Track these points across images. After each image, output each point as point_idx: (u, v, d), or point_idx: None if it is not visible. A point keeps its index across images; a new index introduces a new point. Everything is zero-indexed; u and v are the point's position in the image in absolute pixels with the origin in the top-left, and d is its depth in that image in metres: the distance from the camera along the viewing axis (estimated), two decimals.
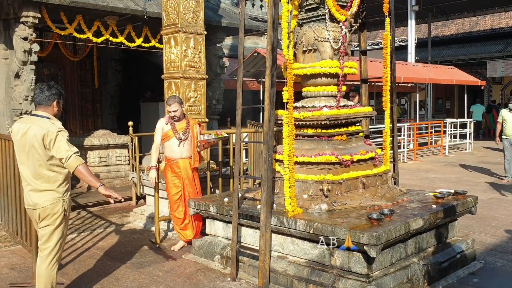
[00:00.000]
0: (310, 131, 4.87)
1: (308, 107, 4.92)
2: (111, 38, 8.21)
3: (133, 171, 7.61)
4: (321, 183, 4.52)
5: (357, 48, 6.49)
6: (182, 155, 5.50)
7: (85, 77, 11.57)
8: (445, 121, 16.06)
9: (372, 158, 4.96)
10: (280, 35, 4.57)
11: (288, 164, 4.43)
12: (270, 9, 4.37)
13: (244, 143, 7.54)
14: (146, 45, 8.65)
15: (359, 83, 5.88)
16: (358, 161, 4.79)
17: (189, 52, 6.88)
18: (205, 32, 7.15)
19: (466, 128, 16.20)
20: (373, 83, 13.51)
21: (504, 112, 9.91)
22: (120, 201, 3.78)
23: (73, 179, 4.94)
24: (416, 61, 19.69)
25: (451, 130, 16.22)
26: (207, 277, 4.65)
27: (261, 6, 15.61)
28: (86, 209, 7.59)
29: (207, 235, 5.29)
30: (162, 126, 5.54)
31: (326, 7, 4.76)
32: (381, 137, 11.74)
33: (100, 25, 8.08)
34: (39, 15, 7.16)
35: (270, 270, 4.30)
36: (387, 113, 5.32)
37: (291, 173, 4.43)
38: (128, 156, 8.55)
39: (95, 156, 8.52)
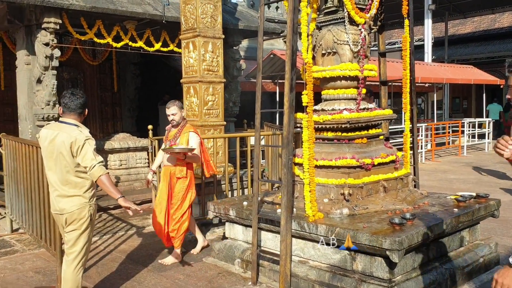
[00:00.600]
0: (330, 134, 4.86)
1: (328, 110, 4.91)
2: (130, 43, 8.30)
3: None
4: (342, 187, 4.50)
5: (375, 49, 6.44)
6: (165, 163, 5.36)
7: (104, 80, 11.69)
8: (463, 120, 15.87)
9: (392, 161, 4.93)
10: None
11: (308, 168, 4.43)
12: (289, 13, 4.37)
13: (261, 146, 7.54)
14: (165, 49, 8.69)
15: (378, 83, 5.85)
16: (379, 164, 4.76)
17: (207, 56, 6.93)
18: (223, 36, 7.19)
19: (484, 127, 15.98)
20: (390, 83, 13.41)
21: None
22: (138, 212, 3.81)
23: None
24: (433, 60, 19.47)
25: (469, 130, 16.02)
26: (228, 281, 4.68)
27: (277, 8, 15.57)
28: (107, 211, 7.69)
29: (226, 238, 5.32)
30: (166, 131, 5.56)
31: (345, 10, 4.75)
32: (398, 138, 11.82)
33: (120, 30, 8.17)
34: (60, 21, 7.26)
35: (291, 274, 4.31)
36: (407, 115, 5.30)
37: (311, 177, 4.43)
38: (148, 159, 8.62)
39: (116, 159, 8.62)
